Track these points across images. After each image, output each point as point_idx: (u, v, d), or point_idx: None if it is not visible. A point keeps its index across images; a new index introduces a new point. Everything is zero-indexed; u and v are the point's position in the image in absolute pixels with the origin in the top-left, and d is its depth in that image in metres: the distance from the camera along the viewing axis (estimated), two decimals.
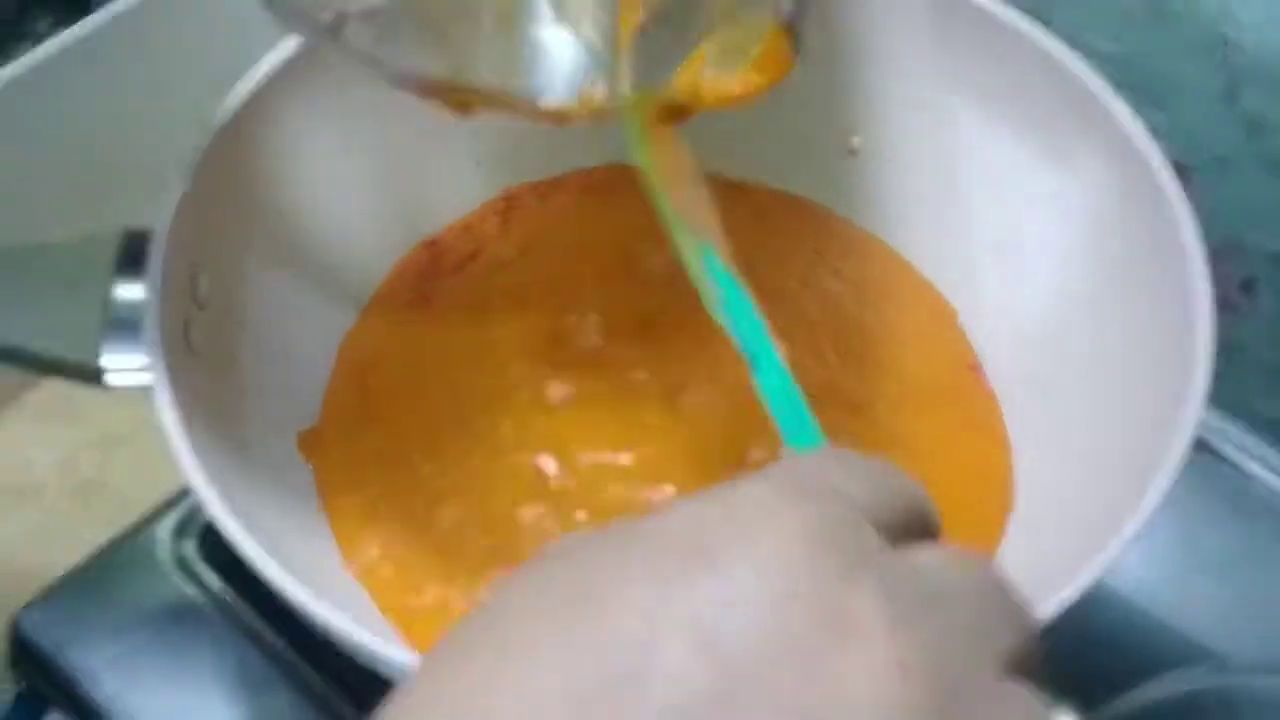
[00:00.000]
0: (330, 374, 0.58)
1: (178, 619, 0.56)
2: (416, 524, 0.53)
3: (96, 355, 0.50)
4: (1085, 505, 0.50)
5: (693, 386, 0.56)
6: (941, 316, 0.60)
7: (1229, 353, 0.74)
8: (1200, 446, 0.58)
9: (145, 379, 0.48)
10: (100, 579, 0.57)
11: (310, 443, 0.55)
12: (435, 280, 0.60)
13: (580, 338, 0.58)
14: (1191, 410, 0.47)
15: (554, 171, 0.64)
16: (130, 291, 0.50)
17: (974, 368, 0.58)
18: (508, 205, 0.63)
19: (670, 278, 0.60)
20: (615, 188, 0.63)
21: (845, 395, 0.56)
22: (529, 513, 0.53)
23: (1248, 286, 0.70)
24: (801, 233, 0.62)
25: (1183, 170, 0.68)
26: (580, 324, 0.58)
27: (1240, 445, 0.61)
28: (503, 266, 0.61)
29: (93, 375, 0.50)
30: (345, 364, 0.58)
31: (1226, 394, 0.73)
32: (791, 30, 0.37)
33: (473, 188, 0.63)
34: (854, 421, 0.55)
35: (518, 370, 0.57)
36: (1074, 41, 0.67)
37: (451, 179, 0.62)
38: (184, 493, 0.59)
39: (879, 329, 0.59)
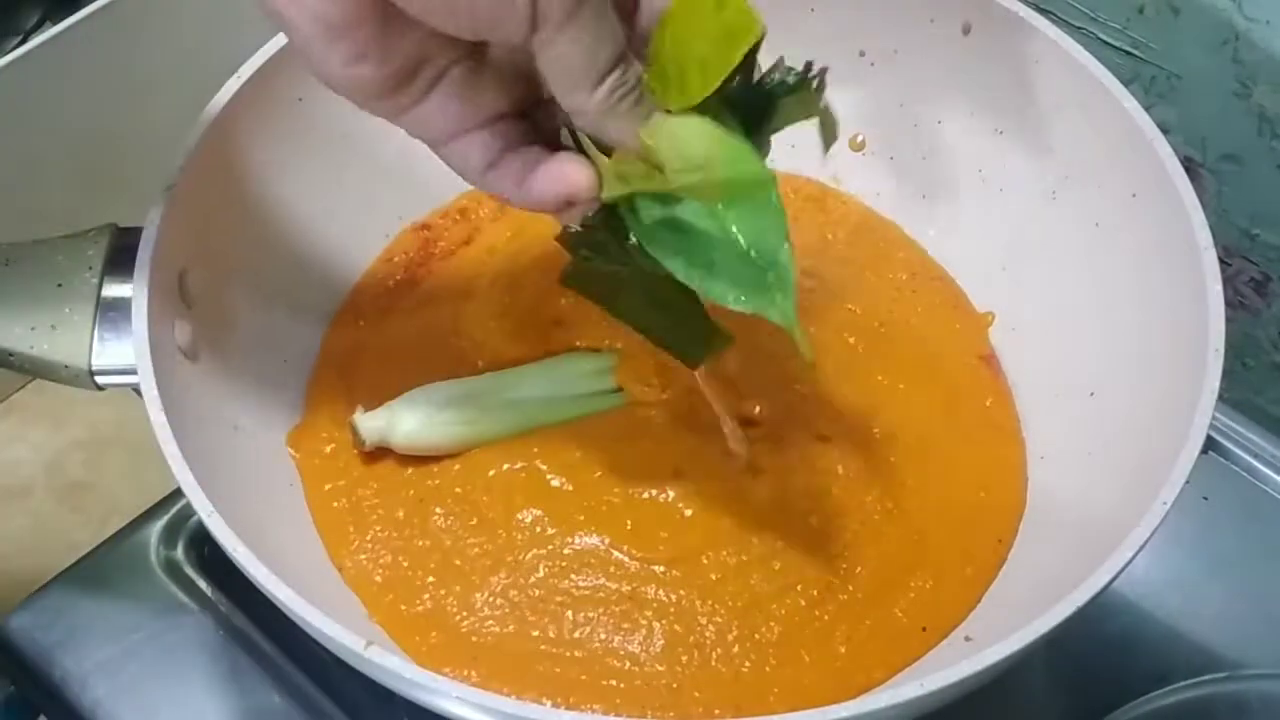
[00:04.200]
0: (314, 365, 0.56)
1: (167, 622, 0.55)
2: (406, 527, 0.52)
3: (86, 355, 0.49)
4: (1096, 507, 0.49)
5: (696, 379, 0.54)
6: (955, 308, 0.59)
7: (1241, 352, 0.73)
8: (1211, 447, 0.58)
9: (134, 379, 0.47)
10: (89, 582, 0.56)
11: (298, 440, 0.54)
12: (424, 265, 0.59)
13: (577, 325, 0.56)
14: (1202, 412, 0.46)
15: None
16: (120, 290, 0.49)
17: (986, 359, 0.57)
18: None
19: None
20: None
21: (859, 382, 0.56)
22: (526, 515, 0.52)
23: (1259, 285, 0.69)
24: (812, 215, 0.62)
25: (1193, 167, 0.68)
26: (576, 310, 0.56)
27: (1251, 446, 0.60)
28: (496, 251, 0.59)
29: (82, 376, 0.49)
30: (327, 353, 0.57)
31: (1238, 394, 0.73)
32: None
33: None
34: (869, 409, 0.55)
35: (510, 358, 0.55)
36: (1083, 35, 0.66)
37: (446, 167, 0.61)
38: (173, 495, 0.58)
39: (893, 316, 0.58)
